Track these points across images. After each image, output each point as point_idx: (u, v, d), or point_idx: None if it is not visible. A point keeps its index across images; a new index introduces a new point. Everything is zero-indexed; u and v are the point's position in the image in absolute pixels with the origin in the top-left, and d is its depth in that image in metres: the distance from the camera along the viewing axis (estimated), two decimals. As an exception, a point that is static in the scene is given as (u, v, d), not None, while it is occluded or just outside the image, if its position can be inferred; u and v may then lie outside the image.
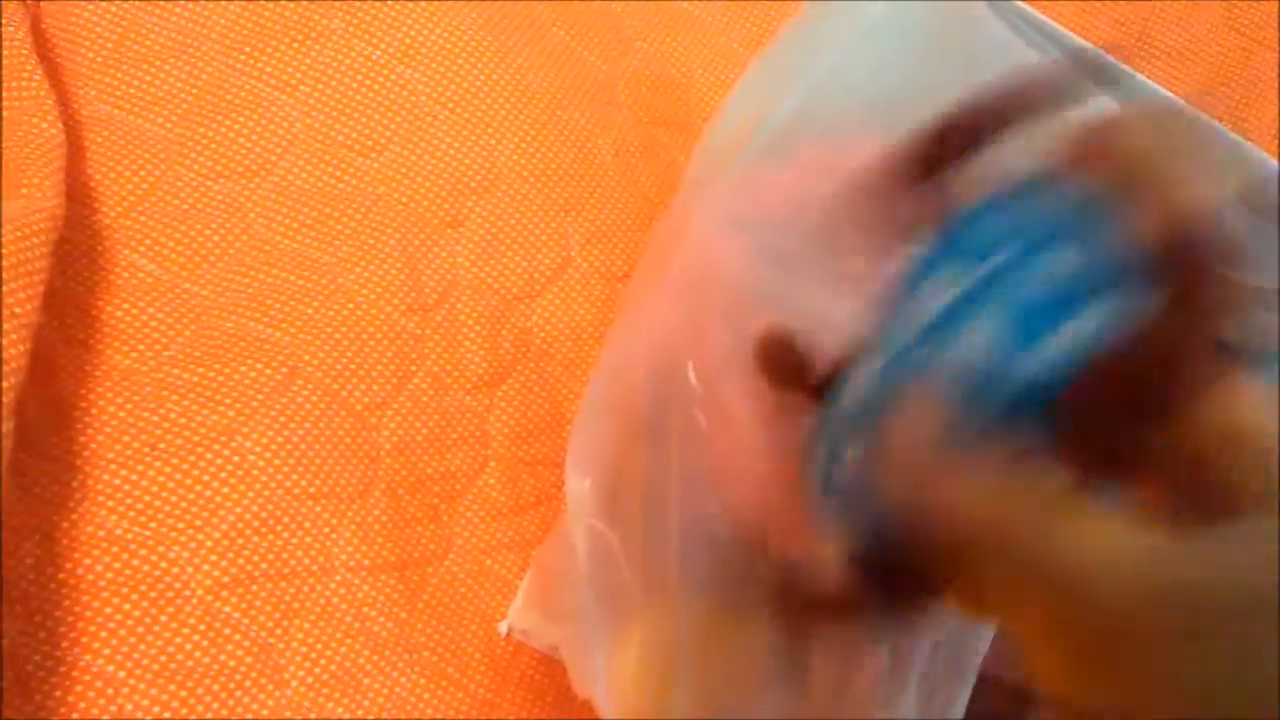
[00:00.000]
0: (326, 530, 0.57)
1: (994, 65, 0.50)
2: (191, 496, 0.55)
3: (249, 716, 0.53)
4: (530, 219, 0.67)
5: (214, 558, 0.54)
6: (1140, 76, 0.53)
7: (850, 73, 0.51)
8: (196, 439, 0.56)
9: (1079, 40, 0.56)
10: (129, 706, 0.51)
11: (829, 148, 0.48)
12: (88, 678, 0.51)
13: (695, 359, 0.46)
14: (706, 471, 0.46)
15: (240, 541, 0.54)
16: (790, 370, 0.42)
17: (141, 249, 0.60)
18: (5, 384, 0.48)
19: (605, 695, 0.53)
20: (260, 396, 0.58)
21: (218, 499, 0.55)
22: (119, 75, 0.62)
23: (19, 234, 0.52)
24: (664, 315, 0.49)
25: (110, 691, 0.51)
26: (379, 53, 0.67)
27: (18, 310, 0.50)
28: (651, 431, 0.47)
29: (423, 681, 0.57)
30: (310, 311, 0.61)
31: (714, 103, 0.75)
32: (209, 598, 0.53)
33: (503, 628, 0.59)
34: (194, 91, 0.63)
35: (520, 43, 0.70)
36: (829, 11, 0.53)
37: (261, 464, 0.56)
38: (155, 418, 0.56)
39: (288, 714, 0.53)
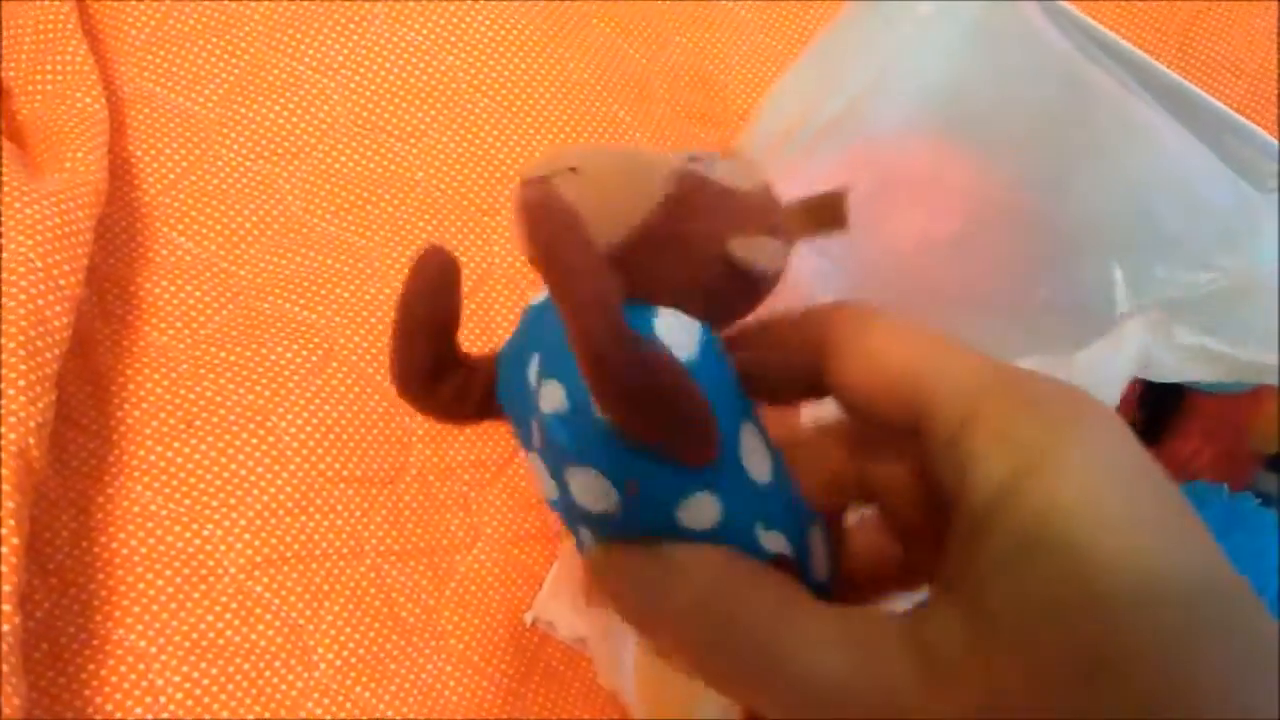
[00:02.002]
0: (358, 514, 0.59)
1: (1039, 64, 0.51)
2: (226, 475, 0.57)
3: (278, 695, 0.54)
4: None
5: (247, 536, 0.56)
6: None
7: (898, 71, 0.53)
8: (232, 418, 0.58)
9: (1122, 42, 0.58)
10: (159, 681, 0.53)
11: (875, 144, 0.50)
12: (120, 652, 0.53)
13: None
14: None
15: (273, 522, 0.56)
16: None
17: (180, 227, 0.62)
18: (50, 355, 0.49)
19: (632, 687, 0.55)
20: (296, 378, 0.60)
21: (251, 478, 0.57)
22: (162, 53, 0.65)
23: (63, 207, 0.53)
24: None
25: (141, 666, 0.53)
26: (421, 39, 0.69)
27: (62, 283, 0.52)
28: None
29: (449, 669, 0.58)
30: (346, 295, 0.63)
31: (751, 100, 0.77)
32: (241, 576, 0.55)
33: (529, 618, 0.60)
34: (235, 72, 0.66)
35: (561, 35, 0.72)
36: (876, 10, 0.55)
37: (295, 445, 0.58)
38: (192, 395, 0.58)
39: (315, 695, 0.55)
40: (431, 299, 0.31)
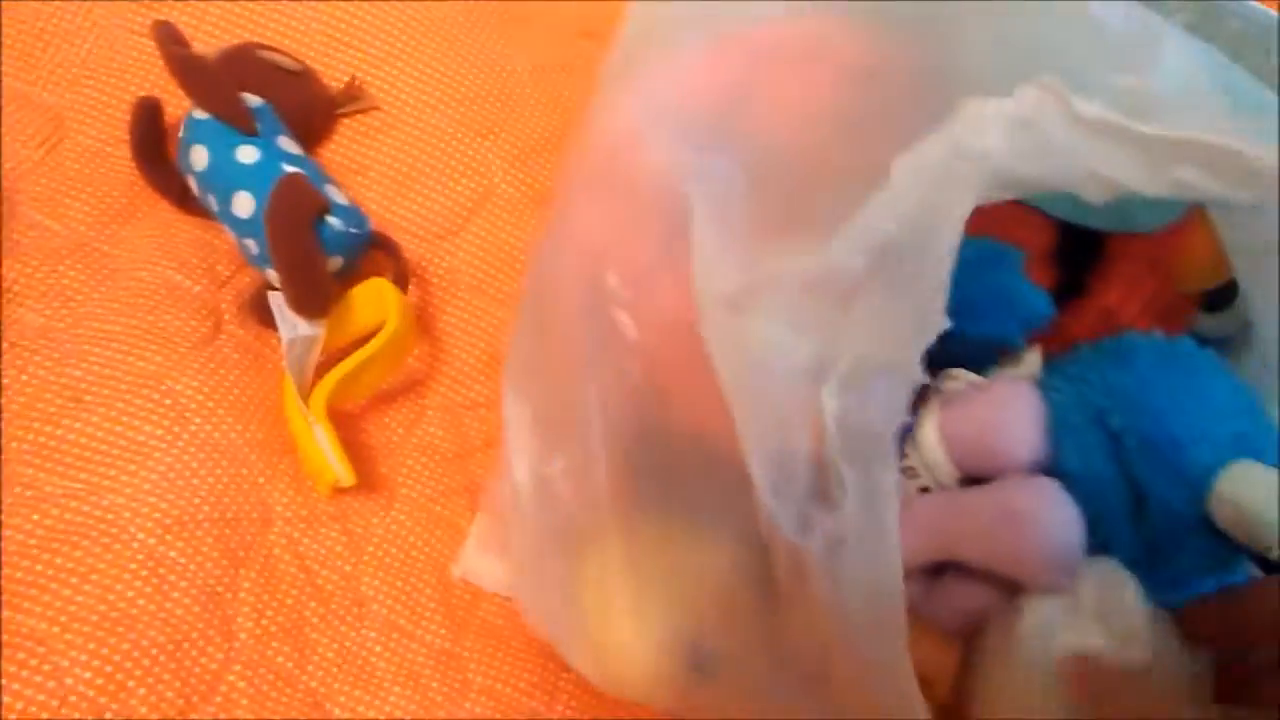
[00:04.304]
0: (261, 481, 0.59)
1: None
2: (123, 444, 0.57)
3: (196, 669, 0.54)
4: (444, 150, 0.71)
5: (153, 500, 0.56)
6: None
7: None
8: (124, 386, 0.58)
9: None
10: (64, 662, 0.52)
11: (744, 28, 0.51)
12: (17, 639, 0.52)
13: (619, 263, 0.48)
14: (643, 382, 0.47)
15: (180, 484, 0.57)
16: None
17: (46, 210, 0.63)
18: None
19: (565, 634, 0.55)
20: (188, 345, 0.61)
21: (151, 442, 0.57)
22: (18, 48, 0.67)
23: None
24: (586, 220, 0.51)
25: (43, 650, 0.52)
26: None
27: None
28: (585, 348, 0.49)
29: (372, 634, 0.59)
30: (227, 272, 0.64)
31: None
32: (151, 541, 0.55)
33: (455, 571, 0.61)
34: (91, 62, 0.68)
35: None
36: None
37: (194, 406, 0.58)
38: (78, 371, 0.58)
39: (237, 667, 0.55)
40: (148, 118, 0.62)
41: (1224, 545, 0.47)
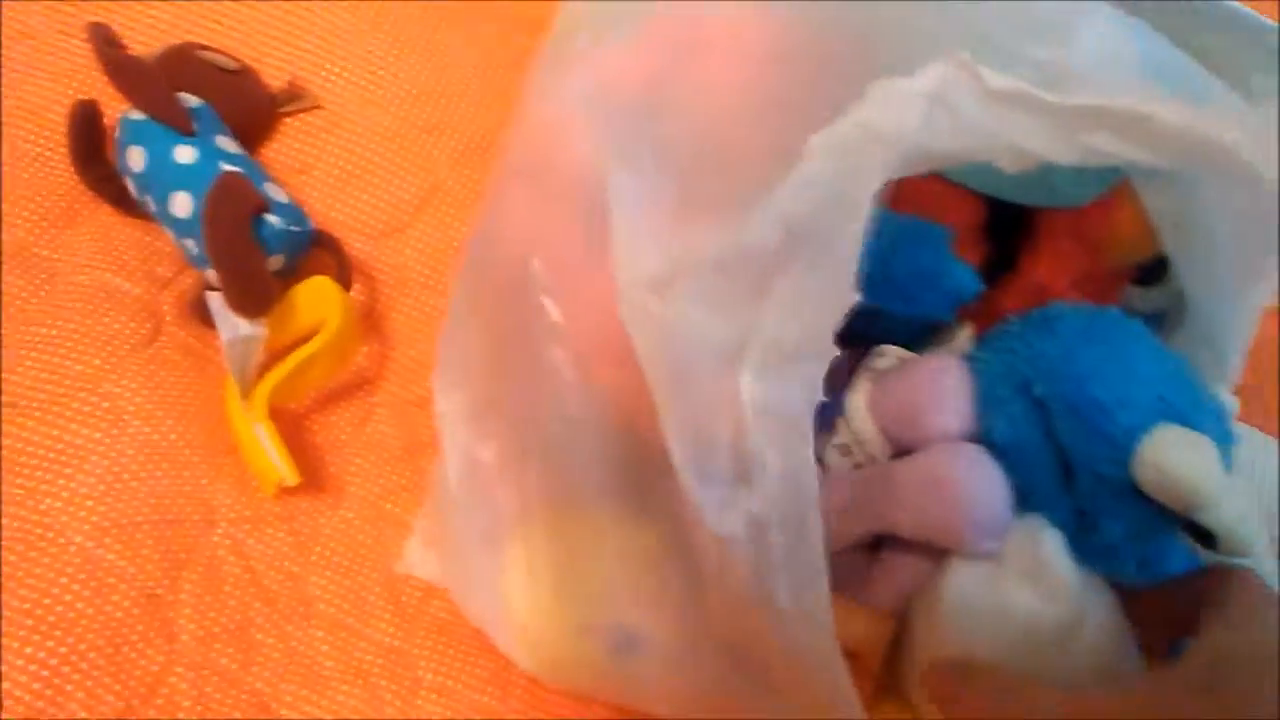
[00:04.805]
0: (204, 482, 0.59)
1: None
2: (60, 446, 0.57)
3: (136, 671, 0.54)
4: (388, 148, 0.72)
5: (90, 503, 0.56)
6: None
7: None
8: (61, 390, 0.58)
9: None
10: (3, 667, 0.52)
11: (672, 18, 0.52)
12: (-49, 645, 0.52)
13: (544, 249, 0.48)
14: (569, 369, 0.48)
15: (118, 487, 0.57)
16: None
17: None
18: None
19: (493, 619, 0.55)
20: (127, 347, 0.61)
21: (89, 445, 0.57)
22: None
23: None
24: (515, 209, 0.51)
25: (-14, 655, 0.52)
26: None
27: None
28: (513, 335, 0.50)
29: (319, 634, 0.58)
30: (169, 274, 0.64)
31: None
32: (89, 544, 0.55)
33: (399, 568, 0.60)
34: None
35: None
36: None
37: (133, 409, 0.59)
38: (14, 376, 0.58)
39: (179, 669, 0.55)
40: (85, 120, 0.64)
41: (1152, 511, 0.47)
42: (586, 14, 0.52)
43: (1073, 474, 0.49)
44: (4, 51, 0.68)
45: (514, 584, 0.53)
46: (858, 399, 0.52)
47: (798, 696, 0.47)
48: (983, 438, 0.50)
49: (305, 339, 0.62)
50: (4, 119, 0.66)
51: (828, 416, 0.52)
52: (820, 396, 0.41)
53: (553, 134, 0.50)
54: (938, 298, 0.55)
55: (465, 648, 0.60)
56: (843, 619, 0.43)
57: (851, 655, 0.45)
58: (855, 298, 0.40)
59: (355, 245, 0.68)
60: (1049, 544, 0.48)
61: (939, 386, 0.51)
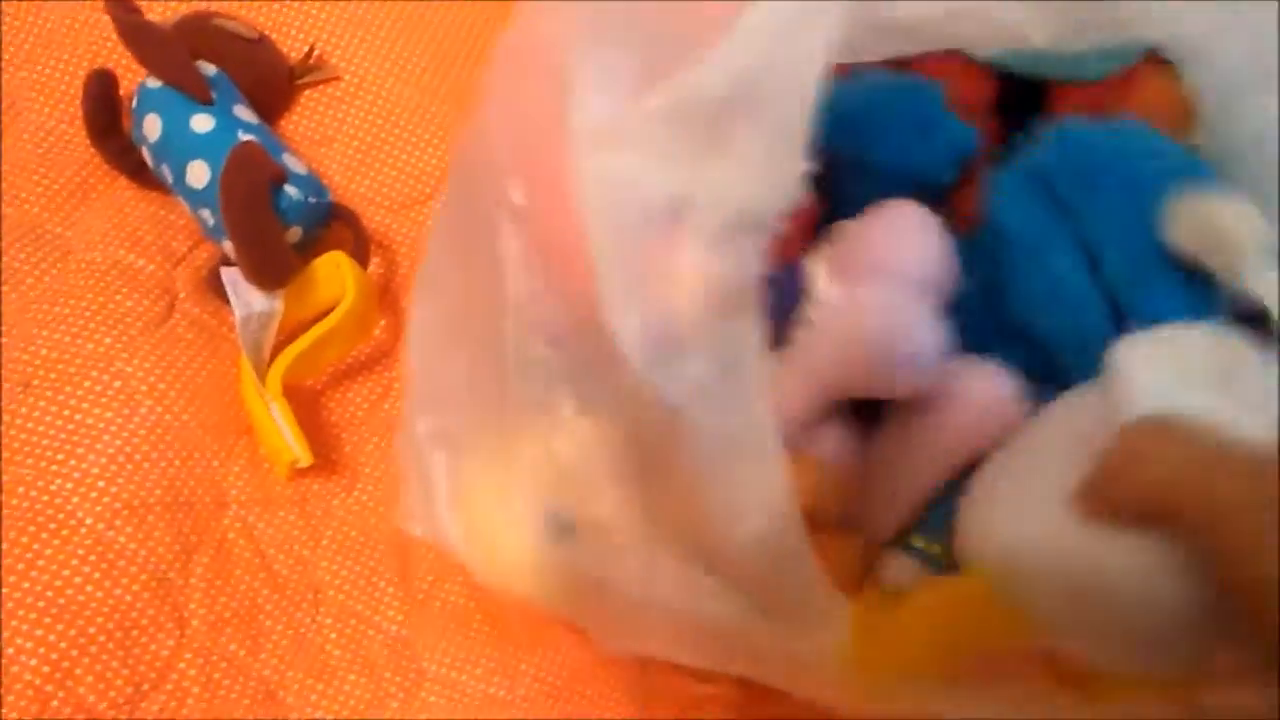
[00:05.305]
0: (216, 464, 0.59)
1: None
2: (71, 426, 0.57)
3: (146, 656, 0.54)
4: (409, 119, 0.70)
5: (101, 484, 0.56)
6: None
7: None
8: (73, 370, 0.58)
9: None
10: (9, 650, 0.52)
11: None
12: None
13: (511, 132, 0.47)
14: (529, 252, 0.46)
15: (130, 468, 0.57)
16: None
17: None
18: None
19: (453, 538, 0.53)
20: (139, 326, 0.60)
21: (100, 425, 0.57)
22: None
23: None
24: (491, 111, 0.49)
25: (-5, 636, 0.52)
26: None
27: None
28: (483, 225, 0.48)
29: (328, 621, 0.59)
30: (183, 250, 0.64)
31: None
32: (100, 526, 0.55)
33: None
34: (35, 34, 0.68)
35: None
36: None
37: (145, 389, 0.58)
38: (26, 355, 0.58)
39: (188, 655, 0.55)
40: (101, 90, 0.63)
41: (1192, 283, 0.45)
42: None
43: (1100, 268, 0.47)
44: (18, 25, 0.68)
45: (470, 496, 0.52)
46: (819, 265, 0.49)
47: (758, 583, 0.46)
48: (1010, 238, 0.49)
49: (322, 315, 0.61)
50: (18, 94, 0.66)
51: (792, 289, 0.50)
52: (761, 267, 0.40)
53: (529, 21, 0.48)
54: (933, 151, 0.53)
55: (474, 636, 0.60)
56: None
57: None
58: (805, 167, 0.39)
59: (374, 218, 0.68)
60: (1248, 353, 0.42)
61: (900, 226, 0.48)
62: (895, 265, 0.47)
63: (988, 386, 0.48)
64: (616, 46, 0.43)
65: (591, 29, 0.43)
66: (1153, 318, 0.45)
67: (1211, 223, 0.43)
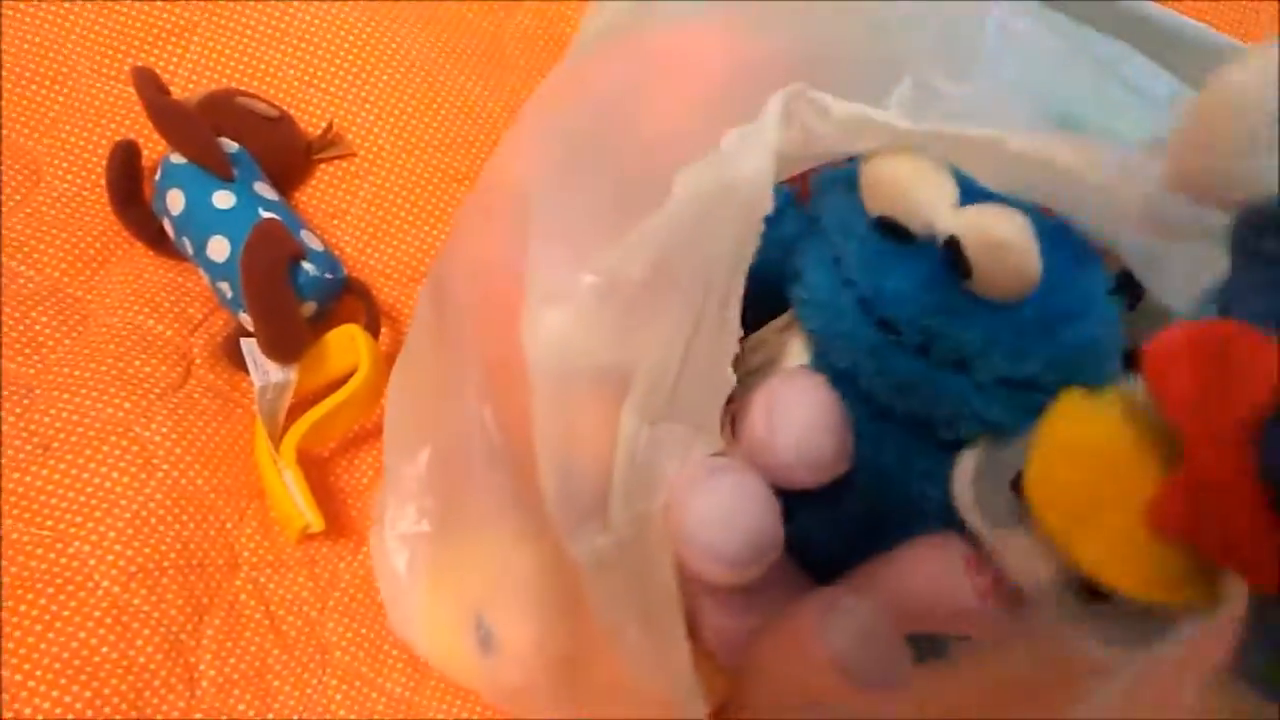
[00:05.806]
0: (229, 526, 0.61)
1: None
2: (90, 490, 0.59)
3: (158, 717, 0.55)
4: (420, 195, 0.73)
5: (118, 548, 0.58)
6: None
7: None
8: (92, 433, 0.60)
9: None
10: (26, 710, 0.54)
11: (656, 36, 0.52)
12: (-20, 686, 0.53)
13: (474, 264, 0.49)
14: (478, 383, 0.48)
15: (145, 531, 0.58)
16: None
17: (19, 256, 0.65)
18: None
19: (409, 624, 0.56)
20: (157, 390, 0.62)
21: (118, 489, 0.59)
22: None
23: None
24: (465, 226, 0.52)
25: (4, 698, 0.53)
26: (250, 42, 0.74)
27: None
28: (450, 346, 0.51)
29: (334, 682, 0.60)
30: (199, 316, 0.66)
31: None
32: (115, 589, 0.57)
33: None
34: (61, 101, 0.70)
35: (394, 8, 0.78)
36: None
37: (161, 453, 0.60)
38: (47, 418, 0.60)
39: (197, 716, 0.56)
40: (125, 161, 0.66)
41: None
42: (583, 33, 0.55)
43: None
44: (45, 93, 0.70)
45: (416, 580, 0.55)
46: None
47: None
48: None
49: (334, 385, 0.64)
50: (42, 160, 0.68)
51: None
52: (690, 457, 0.43)
53: (505, 152, 0.51)
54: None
55: (477, 700, 0.62)
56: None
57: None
58: (734, 348, 0.42)
59: (385, 290, 0.70)
60: None
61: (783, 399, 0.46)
62: (790, 449, 0.45)
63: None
64: (583, 192, 0.46)
65: (559, 174, 0.46)
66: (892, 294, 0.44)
67: (893, 178, 0.44)
